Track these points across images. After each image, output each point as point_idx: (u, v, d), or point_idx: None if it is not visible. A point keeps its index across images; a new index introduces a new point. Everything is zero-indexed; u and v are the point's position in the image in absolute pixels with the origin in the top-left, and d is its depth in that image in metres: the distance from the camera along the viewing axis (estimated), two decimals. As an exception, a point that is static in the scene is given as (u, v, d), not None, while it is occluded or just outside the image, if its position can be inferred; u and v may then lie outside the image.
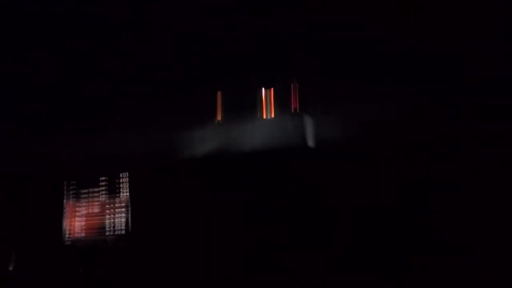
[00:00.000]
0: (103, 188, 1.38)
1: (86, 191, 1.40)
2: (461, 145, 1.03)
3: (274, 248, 1.15)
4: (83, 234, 1.37)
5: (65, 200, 1.39)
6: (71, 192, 1.40)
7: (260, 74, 1.21)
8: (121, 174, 1.38)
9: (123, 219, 1.32)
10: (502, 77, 1.01)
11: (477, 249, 0.97)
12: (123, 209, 1.33)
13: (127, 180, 1.36)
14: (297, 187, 1.18)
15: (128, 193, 1.33)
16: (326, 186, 1.14)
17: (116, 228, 1.33)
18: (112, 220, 1.34)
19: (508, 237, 0.94)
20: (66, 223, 1.38)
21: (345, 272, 1.06)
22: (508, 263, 0.93)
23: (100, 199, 1.37)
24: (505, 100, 0.99)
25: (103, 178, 1.41)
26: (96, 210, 1.37)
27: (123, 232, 1.32)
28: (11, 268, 1.39)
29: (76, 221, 1.38)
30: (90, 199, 1.38)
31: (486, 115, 1.00)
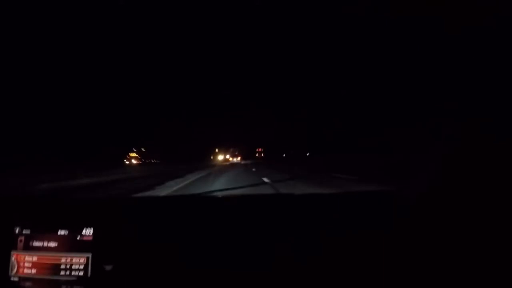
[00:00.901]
0: (63, 222, 1.14)
1: (41, 222, 1.15)
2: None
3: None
4: (33, 272, 1.12)
5: (16, 229, 1.15)
6: (23, 220, 1.16)
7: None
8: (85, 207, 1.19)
9: (82, 260, 1.09)
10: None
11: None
12: (83, 248, 1.10)
13: (91, 215, 1.15)
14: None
15: (91, 230, 1.11)
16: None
17: (73, 268, 1.09)
18: (69, 260, 1.10)
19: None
20: (14, 256, 1.13)
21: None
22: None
23: (58, 233, 1.13)
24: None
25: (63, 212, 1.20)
26: (52, 244, 1.12)
27: (80, 274, 1.09)
28: None
29: (27, 255, 1.13)
30: (46, 232, 1.14)
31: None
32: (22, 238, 1.13)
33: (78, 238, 1.11)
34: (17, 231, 1.14)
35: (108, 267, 1.05)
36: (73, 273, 1.08)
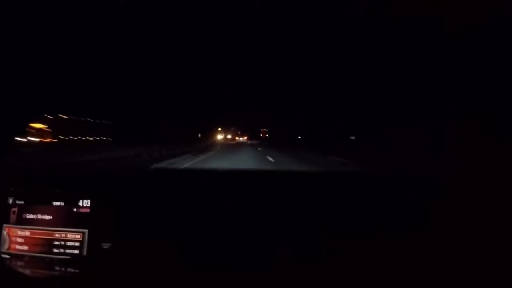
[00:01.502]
0: (59, 193, 1.03)
1: (36, 192, 1.04)
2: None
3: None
4: (25, 248, 1.02)
5: (9, 200, 1.05)
6: (17, 191, 1.05)
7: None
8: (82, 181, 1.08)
9: (78, 236, 0.99)
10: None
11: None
12: (80, 222, 1.00)
13: (89, 186, 1.06)
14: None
15: (88, 202, 1.01)
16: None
17: (67, 245, 1.00)
18: (63, 235, 1.00)
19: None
20: (6, 231, 1.04)
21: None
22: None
23: (53, 205, 1.03)
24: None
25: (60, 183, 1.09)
26: (46, 217, 1.02)
27: (76, 252, 0.99)
28: None
29: (19, 229, 1.03)
30: (40, 203, 1.04)
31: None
32: (15, 209, 1.04)
33: (75, 210, 1.01)
34: (10, 201, 1.05)
35: (106, 245, 0.96)
36: (67, 250, 0.99)
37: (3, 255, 1.02)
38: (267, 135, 66.44)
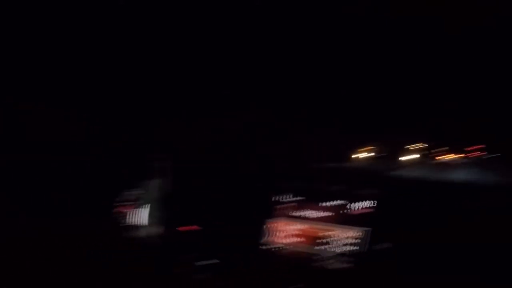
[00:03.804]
0: (342, 191, 1.13)
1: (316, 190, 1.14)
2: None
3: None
4: (294, 241, 1.10)
5: (287, 196, 1.14)
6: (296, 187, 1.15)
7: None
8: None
9: (357, 234, 1.05)
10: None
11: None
12: (361, 222, 1.06)
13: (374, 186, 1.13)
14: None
15: (374, 204, 1.07)
16: None
17: (345, 243, 1.06)
18: (340, 234, 1.06)
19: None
20: (279, 224, 1.12)
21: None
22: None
23: (334, 203, 1.10)
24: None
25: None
26: (324, 214, 1.10)
27: (353, 249, 1.05)
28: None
29: (297, 223, 1.11)
30: (319, 200, 1.12)
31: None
32: (292, 205, 1.13)
33: (357, 208, 1.07)
34: (289, 197, 1.14)
35: (386, 245, 1.01)
36: (344, 248, 1.04)
37: (270, 246, 1.10)
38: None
